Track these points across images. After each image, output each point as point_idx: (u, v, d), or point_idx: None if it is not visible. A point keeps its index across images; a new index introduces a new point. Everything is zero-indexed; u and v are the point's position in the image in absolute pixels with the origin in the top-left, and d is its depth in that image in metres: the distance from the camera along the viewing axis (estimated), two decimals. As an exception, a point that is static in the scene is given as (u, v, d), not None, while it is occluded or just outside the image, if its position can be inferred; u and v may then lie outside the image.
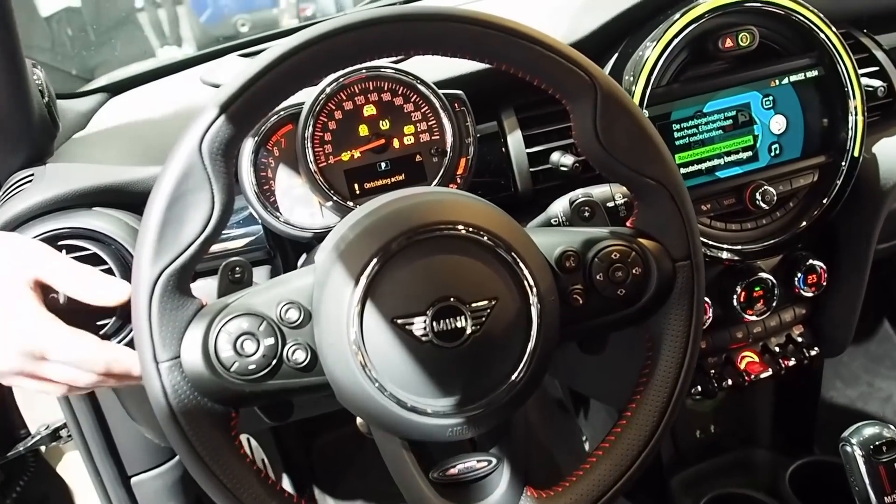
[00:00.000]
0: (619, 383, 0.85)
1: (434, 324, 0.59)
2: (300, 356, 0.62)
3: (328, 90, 0.83)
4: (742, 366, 1.07)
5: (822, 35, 0.94)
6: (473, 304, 0.60)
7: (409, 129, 0.87)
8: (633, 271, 0.67)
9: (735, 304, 1.01)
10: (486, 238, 0.61)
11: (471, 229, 0.61)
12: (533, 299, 0.62)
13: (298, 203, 0.86)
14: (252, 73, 0.58)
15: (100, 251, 0.78)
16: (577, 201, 0.75)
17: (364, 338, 0.59)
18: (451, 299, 0.60)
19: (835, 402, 1.58)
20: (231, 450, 0.61)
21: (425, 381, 0.61)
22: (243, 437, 1.71)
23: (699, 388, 1.05)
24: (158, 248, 0.58)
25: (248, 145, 0.84)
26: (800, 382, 1.20)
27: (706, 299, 0.99)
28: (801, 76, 0.97)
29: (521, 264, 0.62)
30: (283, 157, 0.86)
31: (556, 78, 0.64)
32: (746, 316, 1.02)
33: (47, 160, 0.92)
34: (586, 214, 0.75)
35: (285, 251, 0.93)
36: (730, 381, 1.05)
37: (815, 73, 0.97)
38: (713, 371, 1.06)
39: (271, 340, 0.61)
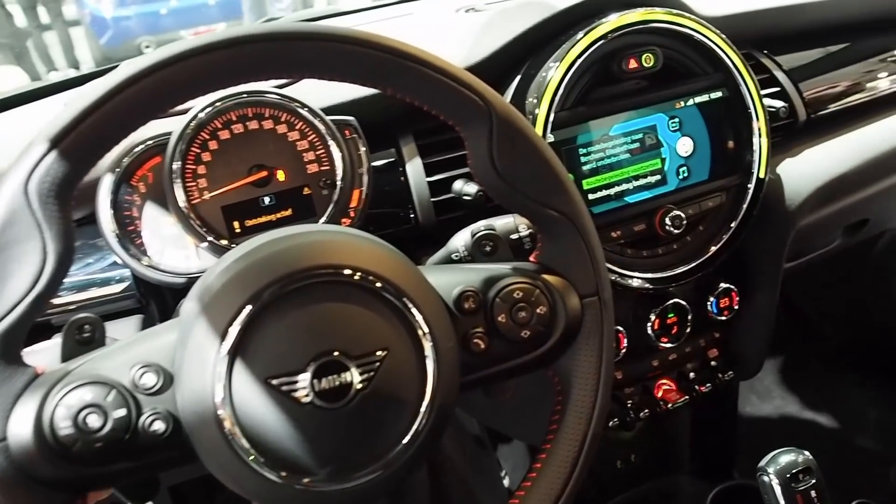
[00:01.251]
0: (532, 420, 0.80)
1: (315, 382, 0.52)
2: (159, 427, 0.53)
3: (201, 116, 0.75)
4: (659, 394, 1.04)
5: (725, 56, 0.92)
6: (360, 357, 0.53)
7: (294, 159, 0.79)
8: (538, 310, 0.62)
9: (649, 332, 0.98)
10: (372, 282, 0.55)
11: (355, 273, 0.55)
12: (428, 347, 0.56)
13: (170, 244, 0.77)
14: (89, 101, 0.49)
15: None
16: (479, 235, 0.70)
17: (233, 403, 0.51)
18: (335, 353, 0.53)
19: (751, 419, 1.59)
20: None
21: (308, 448, 0.53)
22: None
23: (616, 420, 1.01)
24: None
25: (107, 181, 0.74)
26: (717, 406, 1.18)
27: (620, 328, 0.95)
28: (705, 97, 0.95)
29: (412, 309, 0.55)
30: (150, 193, 0.76)
31: (447, 103, 0.58)
32: (661, 344, 0.99)
33: None
34: (488, 249, 0.69)
35: (162, 298, 0.83)
36: (647, 411, 1.01)
37: (719, 94, 0.95)
38: (630, 402, 1.02)
39: (122, 412, 0.52)
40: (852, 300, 1.67)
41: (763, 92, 1.02)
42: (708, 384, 1.06)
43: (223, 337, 0.51)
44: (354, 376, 0.53)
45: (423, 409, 0.56)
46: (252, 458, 0.52)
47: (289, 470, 0.53)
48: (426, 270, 0.62)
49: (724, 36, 0.92)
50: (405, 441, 0.55)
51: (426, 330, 0.56)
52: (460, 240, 0.73)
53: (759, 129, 0.95)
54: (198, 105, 0.75)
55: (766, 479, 0.89)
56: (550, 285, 0.63)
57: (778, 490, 0.88)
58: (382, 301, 0.55)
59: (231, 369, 0.51)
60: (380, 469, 0.55)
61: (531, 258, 0.66)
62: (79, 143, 0.49)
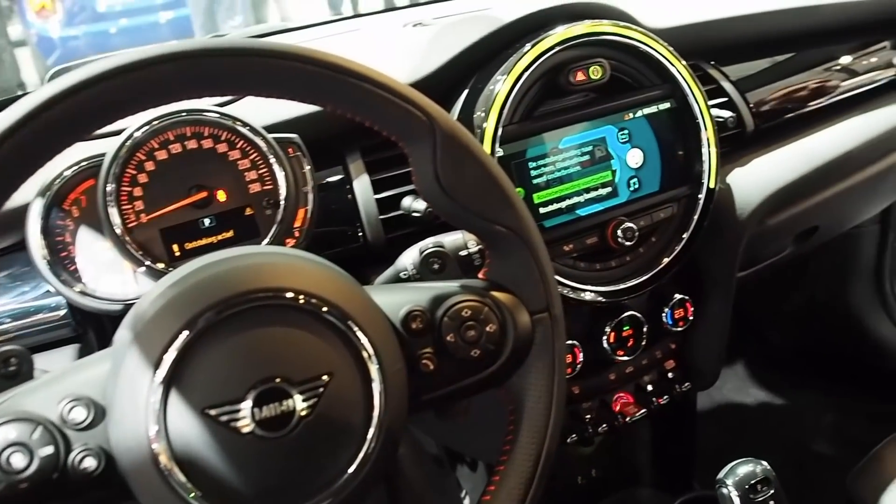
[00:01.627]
0: (488, 438, 0.79)
1: (256, 411, 0.50)
2: (90, 464, 0.50)
3: (137, 136, 0.72)
4: (617, 408, 1.03)
5: (672, 67, 0.93)
6: (303, 384, 0.52)
7: (236, 178, 0.77)
8: (487, 329, 0.61)
9: (605, 345, 0.97)
10: (315, 305, 0.53)
11: (297, 296, 0.53)
12: (374, 370, 0.54)
13: (106, 270, 0.74)
14: (7, 122, 0.47)
15: None
16: (426, 252, 0.69)
17: (169, 435, 0.49)
18: (276, 379, 0.51)
19: (710, 430, 1.59)
20: None
21: (251, 480, 0.51)
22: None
23: (575, 435, 1.00)
24: None
25: (37, 206, 0.71)
26: (675, 417, 1.18)
27: (575, 343, 0.95)
28: (654, 108, 0.95)
29: (357, 332, 0.54)
30: (84, 217, 0.74)
31: (390, 119, 0.56)
32: (618, 357, 0.98)
33: None
34: (436, 267, 0.68)
35: (101, 326, 0.80)
36: (605, 426, 1.01)
37: (667, 105, 0.96)
38: (588, 416, 1.01)
39: (49, 450, 0.49)
40: (805, 307, 1.70)
41: (711, 102, 1.03)
42: (665, 396, 1.05)
43: (157, 366, 0.49)
44: (297, 403, 0.52)
45: (370, 434, 0.54)
46: (192, 494, 0.50)
47: None
48: (372, 290, 0.60)
49: (670, 47, 0.92)
50: (353, 468, 0.54)
51: (371, 353, 0.54)
52: (408, 258, 0.72)
53: (708, 140, 0.95)
54: (133, 125, 0.73)
55: (724, 490, 0.89)
56: (500, 302, 0.62)
57: (737, 501, 0.88)
58: (325, 324, 0.54)
59: (166, 400, 0.49)
60: (328, 498, 0.53)
61: (480, 275, 0.65)
62: None
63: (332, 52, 0.54)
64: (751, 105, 1.08)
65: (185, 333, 0.50)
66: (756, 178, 1.04)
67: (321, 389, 0.52)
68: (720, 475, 0.89)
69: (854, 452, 1.11)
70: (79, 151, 0.75)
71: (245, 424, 0.50)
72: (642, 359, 1.05)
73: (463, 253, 0.73)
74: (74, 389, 0.52)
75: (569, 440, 1.00)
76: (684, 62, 0.94)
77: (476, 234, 0.63)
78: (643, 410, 1.03)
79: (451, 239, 0.74)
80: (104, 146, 0.74)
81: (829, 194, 1.16)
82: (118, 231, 0.72)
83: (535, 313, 0.63)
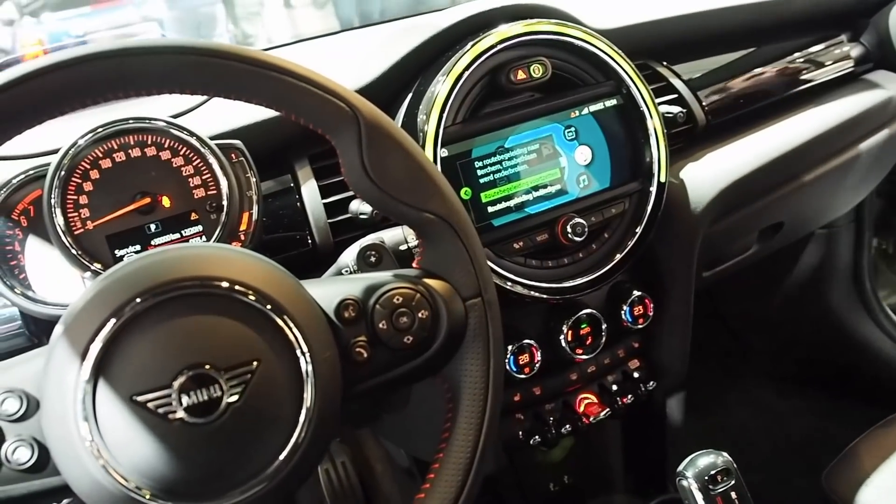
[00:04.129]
0: (428, 434, 0.81)
1: (183, 397, 0.54)
2: (23, 455, 0.54)
3: (81, 144, 0.77)
4: (581, 409, 1.07)
5: (615, 64, 0.98)
6: (230, 370, 0.55)
7: (180, 184, 0.81)
8: (420, 315, 0.64)
9: (563, 344, 1.01)
10: (241, 293, 0.57)
11: (224, 285, 0.57)
12: (302, 357, 0.58)
13: (56, 277, 0.78)
14: None
15: None
16: (363, 246, 0.73)
17: (98, 423, 0.53)
18: (205, 366, 0.55)
19: (691, 435, 1.62)
20: None
21: (179, 466, 0.54)
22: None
23: (538, 437, 1.03)
24: None
25: (-16, 216, 0.76)
26: (646, 420, 1.21)
27: (533, 342, 0.98)
28: (600, 105, 1.00)
29: (285, 318, 0.57)
30: (32, 226, 0.78)
31: (313, 111, 0.60)
32: (577, 356, 1.02)
33: None
34: (372, 260, 0.72)
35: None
36: (569, 427, 1.04)
37: (613, 101, 1.01)
38: (551, 418, 1.04)
39: None
40: (784, 309, 1.74)
41: (660, 99, 1.09)
42: (630, 395, 1.09)
43: (84, 355, 0.53)
44: (225, 389, 0.55)
45: (300, 420, 0.57)
46: (123, 482, 0.53)
47: (163, 493, 0.54)
48: (308, 284, 0.64)
49: (611, 45, 0.97)
50: (284, 454, 0.57)
51: (300, 340, 0.58)
52: (349, 256, 0.76)
53: (656, 134, 1.00)
54: (77, 133, 0.77)
55: (684, 483, 0.91)
56: (432, 289, 0.66)
57: (697, 493, 0.90)
58: (253, 312, 0.57)
59: (94, 388, 0.53)
60: (260, 484, 0.56)
61: (413, 264, 0.69)
62: None
63: (251, 48, 0.58)
64: (702, 101, 1.14)
65: (113, 322, 0.53)
66: (710, 172, 1.09)
67: (249, 376, 0.55)
68: (679, 467, 0.91)
69: (832, 453, 1.14)
70: (25, 163, 0.80)
71: (172, 410, 0.53)
72: (604, 358, 1.09)
73: (402, 247, 0.77)
74: (8, 382, 0.55)
75: (532, 442, 1.03)
76: (627, 59, 0.99)
77: (406, 222, 0.66)
78: (607, 410, 1.06)
79: (390, 235, 0.78)
80: (47, 157, 0.78)
81: (789, 189, 1.21)
82: (64, 238, 0.76)
83: (467, 299, 0.66)
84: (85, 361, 0.53)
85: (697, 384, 1.70)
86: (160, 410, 0.53)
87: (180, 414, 0.54)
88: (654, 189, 1.00)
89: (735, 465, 0.93)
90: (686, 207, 1.06)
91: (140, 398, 0.53)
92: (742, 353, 1.82)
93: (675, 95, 1.12)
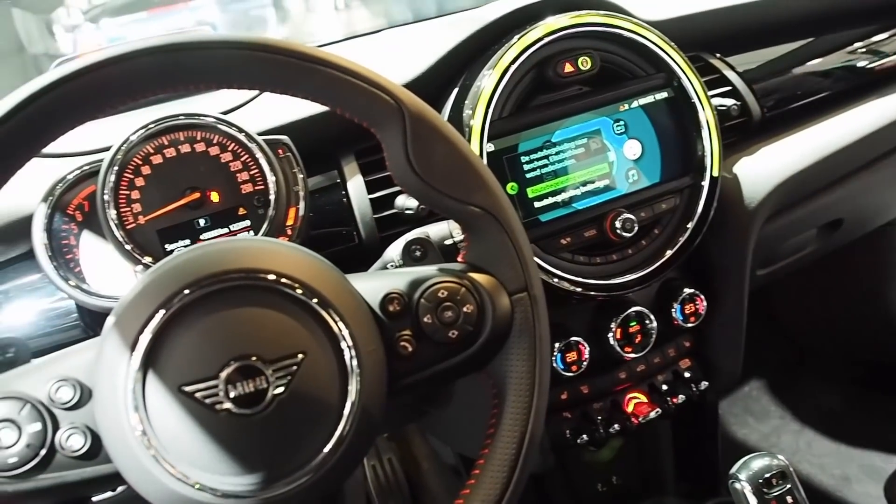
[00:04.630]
0: (472, 431, 0.80)
1: (229, 388, 0.54)
2: (77, 442, 0.55)
3: (133, 140, 0.79)
4: (629, 408, 1.05)
5: (665, 55, 0.96)
6: (276, 362, 0.55)
7: (228, 180, 0.82)
8: (465, 309, 0.63)
9: (612, 342, 0.99)
10: (287, 285, 0.57)
11: (271, 277, 0.57)
12: (347, 350, 0.57)
13: (109, 270, 0.80)
14: None
15: None
16: (408, 241, 0.72)
17: (148, 413, 0.54)
18: (251, 358, 0.55)
19: (748, 441, 1.58)
20: None
21: (225, 456, 0.55)
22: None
23: (586, 437, 1.02)
24: None
25: (40, 212, 0.78)
26: (698, 421, 1.18)
27: (580, 340, 0.97)
28: (650, 99, 0.98)
29: (330, 311, 0.57)
30: (87, 221, 0.80)
31: (358, 104, 0.60)
32: (626, 354, 1.00)
33: None
34: (417, 254, 0.72)
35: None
36: (617, 426, 1.02)
37: (664, 94, 0.99)
38: (599, 417, 1.03)
39: (37, 426, 0.54)
40: (842, 309, 1.68)
41: (714, 92, 1.06)
42: (681, 396, 1.06)
43: (134, 346, 0.54)
44: (271, 381, 0.55)
45: (345, 413, 0.57)
46: (171, 470, 0.54)
47: (209, 482, 0.55)
48: (353, 278, 0.64)
49: (662, 35, 0.95)
50: (329, 447, 0.57)
51: (345, 333, 0.58)
52: (394, 250, 0.76)
53: (709, 128, 0.97)
54: (129, 129, 0.79)
55: (737, 486, 0.89)
56: (477, 283, 0.65)
57: (751, 496, 0.88)
58: (299, 304, 0.57)
59: (144, 378, 0.54)
60: (306, 475, 0.56)
61: (459, 258, 0.68)
62: None
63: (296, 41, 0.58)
64: (757, 94, 1.10)
65: (161, 313, 0.54)
66: (765, 167, 1.05)
67: (295, 368, 0.56)
68: (733, 469, 0.89)
69: (892, 457, 1.10)
70: (80, 160, 0.82)
71: (219, 401, 0.54)
72: (654, 357, 1.06)
73: (447, 242, 0.77)
74: (62, 372, 0.57)
75: (579, 441, 1.02)
76: (678, 50, 0.96)
77: (451, 216, 0.65)
78: (657, 410, 1.04)
79: (436, 229, 0.78)
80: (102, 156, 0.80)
81: (848, 185, 1.17)
82: (117, 232, 0.78)
83: (513, 293, 0.65)
84: (135, 352, 0.53)
85: (752, 387, 1.67)
86: (207, 401, 0.54)
87: (227, 405, 0.54)
88: (706, 184, 0.98)
89: (791, 469, 0.90)
90: (740, 203, 1.03)
91: (188, 388, 0.54)
92: (799, 356, 1.77)
93: (729, 88, 1.09)
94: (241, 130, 0.81)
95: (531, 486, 1.02)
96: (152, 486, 0.55)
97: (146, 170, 0.80)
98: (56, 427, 0.55)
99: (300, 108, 0.91)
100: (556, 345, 0.95)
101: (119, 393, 0.53)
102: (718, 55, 1.14)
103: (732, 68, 1.12)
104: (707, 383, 1.08)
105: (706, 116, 0.97)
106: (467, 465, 1.25)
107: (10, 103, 0.52)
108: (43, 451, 0.54)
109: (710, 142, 0.98)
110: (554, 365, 0.95)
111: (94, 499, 0.78)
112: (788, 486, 0.89)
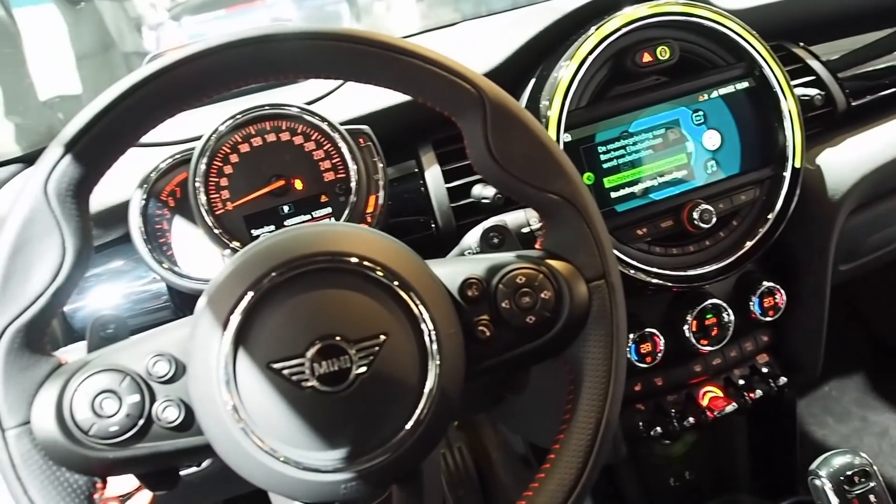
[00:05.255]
0: (544, 420, 0.81)
1: (315, 366, 0.56)
2: (172, 414, 0.58)
3: (222, 130, 0.82)
4: (705, 402, 1.03)
5: (747, 45, 0.94)
6: (359, 342, 0.57)
7: (311, 168, 0.85)
8: (542, 295, 0.64)
9: (687, 334, 0.98)
10: (371, 268, 0.59)
11: (355, 260, 0.59)
12: (427, 332, 0.59)
13: (198, 254, 0.84)
14: (98, 107, 0.56)
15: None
16: (486, 228, 0.73)
17: (238, 388, 0.56)
18: (335, 338, 0.57)
19: (827, 442, 1.53)
20: None
21: (310, 431, 0.57)
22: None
23: (659, 429, 1.01)
24: (1, 302, 0.55)
25: (137, 197, 0.82)
26: (776, 417, 1.16)
27: (656, 332, 0.96)
28: (730, 88, 0.97)
29: (411, 294, 0.59)
30: (178, 206, 0.84)
31: (439, 93, 0.61)
32: (701, 347, 0.99)
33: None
34: (495, 241, 0.72)
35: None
36: (692, 419, 1.01)
37: (745, 84, 0.97)
38: (674, 410, 1.02)
39: (136, 398, 0.57)
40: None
41: (797, 81, 1.04)
42: (759, 391, 1.04)
43: (225, 326, 0.56)
44: (354, 360, 0.57)
45: (424, 394, 0.58)
46: (259, 444, 0.56)
47: (294, 455, 0.57)
48: (432, 264, 0.65)
49: (743, 24, 0.93)
50: (408, 427, 0.58)
51: (426, 316, 0.59)
52: (472, 237, 0.77)
53: (791, 118, 0.95)
54: (218, 120, 0.82)
55: (817, 482, 0.87)
56: (555, 270, 0.65)
57: (831, 494, 0.86)
58: (382, 287, 0.59)
59: (235, 356, 0.56)
60: (384, 454, 0.58)
61: (536, 245, 0.69)
62: (91, 146, 0.56)
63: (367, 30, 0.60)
64: (843, 84, 1.07)
65: (251, 294, 0.56)
66: (850, 158, 1.02)
67: (377, 349, 0.57)
68: (813, 466, 0.87)
69: None
70: (172, 149, 0.86)
71: (305, 378, 0.56)
72: (730, 350, 1.04)
73: (525, 230, 0.77)
74: (159, 347, 0.60)
75: (653, 433, 1.01)
76: (760, 39, 0.94)
77: (530, 203, 0.66)
78: (732, 405, 1.02)
79: (513, 217, 0.79)
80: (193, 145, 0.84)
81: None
82: (207, 217, 0.81)
83: (591, 280, 0.65)
84: (226, 331, 0.56)
85: (832, 386, 1.62)
86: (294, 378, 0.56)
87: (312, 382, 0.56)
88: (788, 174, 0.96)
89: (875, 467, 0.87)
90: (823, 195, 1.00)
91: (276, 366, 0.56)
92: (883, 355, 1.70)
93: (813, 77, 1.06)
94: (324, 120, 0.84)
95: (603, 477, 1.02)
96: (241, 458, 0.57)
97: (234, 158, 0.83)
98: (153, 399, 0.58)
99: (380, 99, 0.93)
100: (631, 336, 0.95)
101: (212, 369, 0.56)
102: (802, 44, 1.11)
103: (816, 57, 1.09)
104: (785, 379, 1.06)
105: (789, 106, 0.95)
106: (538, 455, 1.26)
107: (115, 93, 0.55)
108: (141, 422, 0.57)
109: (793, 132, 0.95)
110: (628, 356, 0.95)
111: (181, 473, 0.82)
112: (871, 484, 0.86)
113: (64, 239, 0.56)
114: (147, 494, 0.86)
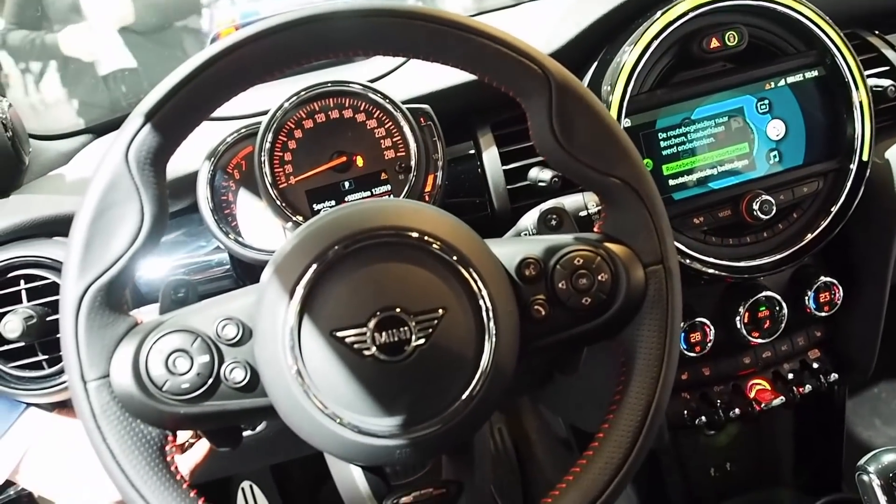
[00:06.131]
0: (591, 406, 0.81)
1: (376, 336, 0.58)
2: (238, 375, 0.60)
3: (286, 106, 0.84)
4: (752, 394, 1.02)
5: (820, 32, 0.91)
6: (419, 314, 0.59)
7: (372, 145, 0.86)
8: (599, 278, 0.64)
9: (738, 326, 0.97)
10: (431, 243, 0.60)
11: (417, 235, 0.60)
12: (485, 309, 0.60)
13: (261, 226, 0.86)
14: (176, 79, 0.58)
15: (58, 280, 0.78)
16: (544, 210, 0.74)
17: (302, 353, 0.58)
18: (396, 309, 0.58)
19: (873, 443, 1.51)
20: (164, 476, 0.59)
21: (368, 398, 0.59)
22: (245, 485, 1.70)
23: (704, 418, 1.00)
24: (84, 263, 0.58)
25: (205, 169, 0.85)
26: (823, 413, 1.14)
27: (706, 321, 0.95)
28: (799, 77, 0.94)
29: (471, 270, 0.60)
30: (243, 179, 0.86)
31: (505, 72, 0.61)
32: (752, 339, 0.98)
33: (11, 193, 0.93)
34: (553, 223, 0.73)
35: (256, 278, 0.92)
36: (737, 411, 1.00)
37: (814, 73, 0.95)
38: (720, 400, 1.01)
39: (206, 358, 0.60)
40: None
41: (870, 72, 1.01)
42: (808, 386, 1.03)
43: (291, 294, 0.58)
44: (413, 332, 0.58)
45: (480, 368, 0.59)
46: (321, 406, 0.58)
47: (353, 419, 0.59)
48: (490, 243, 0.66)
49: (816, 10, 0.91)
50: (462, 399, 0.59)
51: (484, 293, 0.60)
52: (529, 219, 0.77)
53: (862, 109, 0.93)
54: (283, 96, 0.84)
55: (865, 478, 0.85)
56: (613, 253, 0.65)
57: (879, 492, 0.84)
58: (442, 263, 0.60)
59: (300, 323, 0.58)
60: (437, 424, 0.59)
61: (595, 228, 0.69)
62: (169, 117, 0.58)
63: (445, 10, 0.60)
64: (918, 75, 1.03)
65: (315, 266, 0.58)
66: (921, 154, 0.99)
67: (436, 322, 0.59)
68: (861, 462, 0.85)
69: None
70: (238, 123, 0.88)
71: (367, 347, 0.58)
72: (781, 344, 1.03)
73: (582, 213, 0.78)
74: (228, 312, 0.62)
75: (697, 422, 1.01)
76: (834, 26, 0.92)
77: (590, 186, 0.66)
78: (780, 398, 1.02)
79: (571, 200, 0.79)
80: (259, 117, 0.86)
81: None
82: (271, 191, 0.83)
83: (648, 265, 0.65)
84: (292, 300, 0.58)
85: (882, 388, 1.58)
86: (356, 346, 0.58)
87: (373, 351, 0.58)
88: (854, 168, 0.93)
89: (927, 469, 0.86)
90: (890, 190, 0.98)
91: (339, 334, 0.58)
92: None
93: (887, 68, 1.03)
94: (386, 98, 0.85)
95: (644, 463, 1.03)
96: (302, 420, 0.59)
97: (298, 133, 0.85)
98: (221, 360, 0.61)
99: (441, 79, 0.93)
100: (681, 324, 0.94)
101: (278, 335, 0.58)
102: (877, 32, 1.07)
103: (892, 47, 1.05)
104: (836, 376, 1.05)
105: (860, 97, 0.92)
106: (579, 439, 1.26)
107: (192, 66, 0.57)
108: (210, 381, 0.60)
109: (863, 124, 0.93)
110: (679, 344, 0.94)
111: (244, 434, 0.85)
112: (923, 486, 0.85)
113: (143, 205, 0.58)
114: (202, 447, 0.90)
